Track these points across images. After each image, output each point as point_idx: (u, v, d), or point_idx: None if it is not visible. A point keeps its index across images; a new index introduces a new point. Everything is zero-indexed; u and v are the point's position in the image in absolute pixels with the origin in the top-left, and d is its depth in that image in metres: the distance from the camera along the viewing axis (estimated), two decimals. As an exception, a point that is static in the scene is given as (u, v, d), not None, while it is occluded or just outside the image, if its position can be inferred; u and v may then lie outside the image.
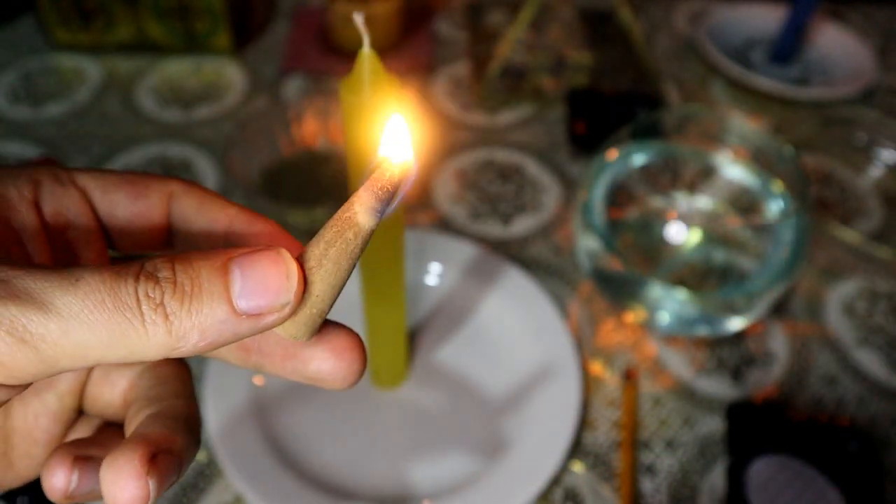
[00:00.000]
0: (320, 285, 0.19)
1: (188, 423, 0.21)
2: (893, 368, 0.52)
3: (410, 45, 0.79)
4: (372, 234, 0.19)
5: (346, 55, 0.76)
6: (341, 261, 0.18)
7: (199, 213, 0.22)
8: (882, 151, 0.67)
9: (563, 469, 0.45)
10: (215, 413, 0.46)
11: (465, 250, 0.55)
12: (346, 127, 0.33)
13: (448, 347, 0.51)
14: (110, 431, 0.23)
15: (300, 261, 0.19)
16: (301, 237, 0.21)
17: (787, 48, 0.77)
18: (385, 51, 0.77)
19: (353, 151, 0.34)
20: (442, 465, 0.45)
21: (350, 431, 0.47)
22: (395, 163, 0.18)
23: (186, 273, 0.17)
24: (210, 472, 0.45)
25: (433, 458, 0.46)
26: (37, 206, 0.20)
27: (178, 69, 0.75)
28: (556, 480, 0.45)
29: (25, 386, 0.17)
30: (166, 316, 0.17)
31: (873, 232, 0.61)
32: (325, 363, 0.21)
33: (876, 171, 0.66)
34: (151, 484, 0.18)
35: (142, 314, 0.16)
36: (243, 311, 0.17)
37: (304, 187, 0.59)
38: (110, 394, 0.23)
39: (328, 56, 0.77)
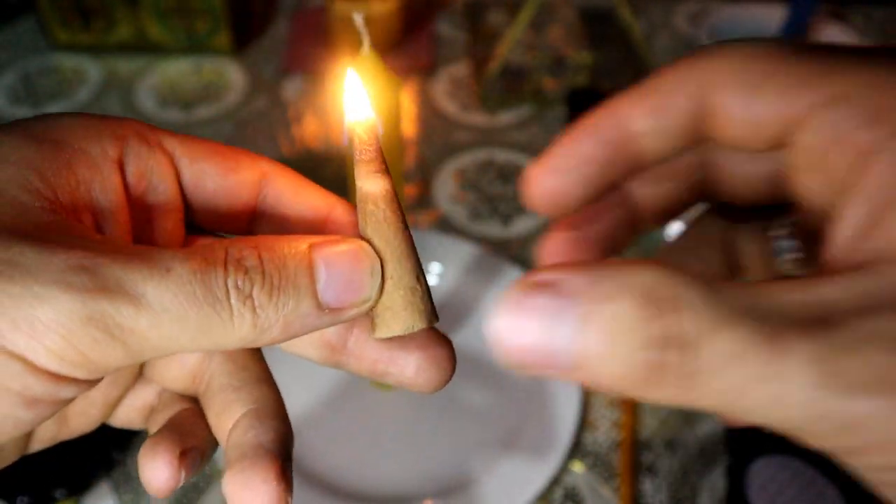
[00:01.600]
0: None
1: (281, 413, 0.21)
2: (893, 368, 0.52)
3: (410, 45, 0.79)
4: (390, 195, 0.18)
5: (346, 55, 0.76)
6: (380, 230, 0.18)
7: (297, 198, 0.21)
8: (882, 151, 0.67)
9: (563, 469, 0.45)
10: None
11: (465, 250, 0.55)
12: (346, 127, 0.33)
13: (448, 347, 0.51)
14: (188, 413, 0.22)
15: None
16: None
17: (787, 48, 0.77)
18: (385, 51, 0.77)
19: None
20: (442, 465, 0.45)
21: (350, 431, 0.47)
22: (361, 125, 0.18)
23: (274, 263, 0.17)
24: (210, 472, 0.45)
25: (433, 459, 0.46)
26: (120, 167, 0.19)
27: (178, 69, 0.75)
28: (556, 480, 0.45)
29: (100, 379, 0.17)
30: (254, 309, 0.16)
31: (873, 232, 0.61)
32: (416, 368, 0.20)
33: (876, 171, 0.66)
34: (280, 488, 0.18)
35: (231, 307, 0.16)
36: (327, 304, 0.17)
37: (304, 187, 0.59)
38: (179, 371, 0.22)
39: (328, 56, 0.77)
